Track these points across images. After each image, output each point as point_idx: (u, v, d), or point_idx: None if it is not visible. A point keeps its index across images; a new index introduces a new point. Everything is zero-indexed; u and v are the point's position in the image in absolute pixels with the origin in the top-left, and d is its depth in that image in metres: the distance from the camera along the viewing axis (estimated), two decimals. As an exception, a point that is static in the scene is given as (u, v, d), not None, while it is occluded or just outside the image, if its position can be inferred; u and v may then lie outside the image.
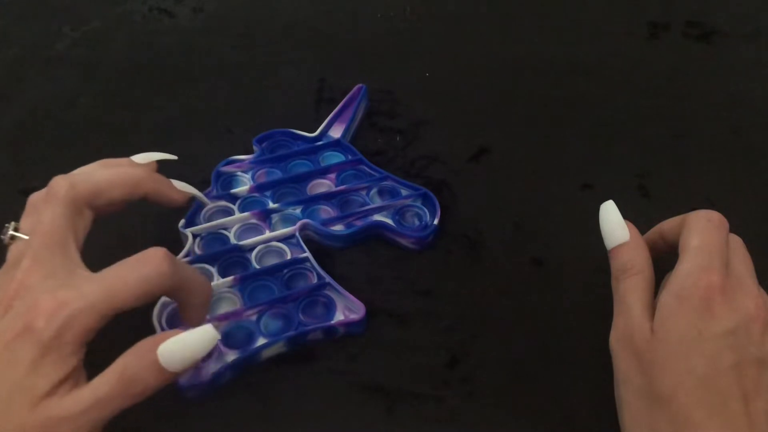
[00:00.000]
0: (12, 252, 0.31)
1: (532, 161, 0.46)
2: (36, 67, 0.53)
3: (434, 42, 0.56)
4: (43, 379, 0.26)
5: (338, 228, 0.41)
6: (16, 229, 0.31)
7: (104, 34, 0.56)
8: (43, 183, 0.46)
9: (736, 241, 0.33)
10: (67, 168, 0.45)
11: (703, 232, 0.32)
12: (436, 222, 0.41)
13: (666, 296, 0.30)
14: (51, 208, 0.31)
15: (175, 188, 0.37)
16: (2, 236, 0.31)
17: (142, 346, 0.28)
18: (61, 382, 0.27)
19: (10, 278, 0.29)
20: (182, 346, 0.27)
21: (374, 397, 0.35)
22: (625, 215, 0.43)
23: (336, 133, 0.46)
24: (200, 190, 0.43)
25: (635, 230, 0.34)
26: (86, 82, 0.52)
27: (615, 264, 0.33)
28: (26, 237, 0.31)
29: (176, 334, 0.28)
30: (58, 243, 0.30)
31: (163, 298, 0.36)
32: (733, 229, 0.44)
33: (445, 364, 0.36)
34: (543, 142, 0.47)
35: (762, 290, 0.31)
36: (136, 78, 0.53)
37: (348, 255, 0.41)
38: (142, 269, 0.28)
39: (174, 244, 0.39)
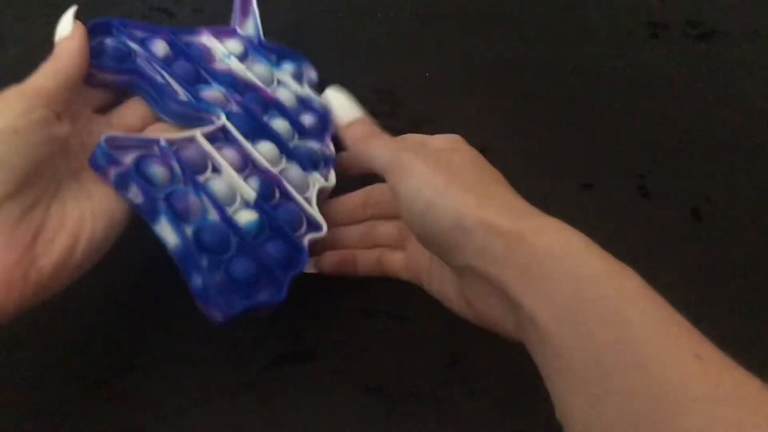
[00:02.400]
0: None
1: (532, 161, 0.46)
2: (36, 67, 0.53)
3: (434, 42, 0.56)
4: None
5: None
6: None
7: (104, 34, 0.56)
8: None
9: None
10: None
11: None
12: None
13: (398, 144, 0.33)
14: None
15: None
16: None
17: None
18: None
19: None
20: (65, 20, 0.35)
21: (374, 397, 0.35)
22: (625, 215, 0.44)
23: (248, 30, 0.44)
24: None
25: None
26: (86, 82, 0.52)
27: (351, 134, 0.34)
28: None
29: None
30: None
31: None
32: (733, 228, 0.44)
33: (445, 364, 0.36)
34: (543, 142, 0.47)
35: None
36: (136, 78, 0.53)
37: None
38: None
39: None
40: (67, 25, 0.35)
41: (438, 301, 0.38)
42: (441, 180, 0.29)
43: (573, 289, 0.24)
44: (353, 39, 0.56)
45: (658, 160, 0.46)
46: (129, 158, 0.33)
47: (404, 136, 0.35)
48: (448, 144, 0.34)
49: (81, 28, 0.35)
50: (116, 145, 0.33)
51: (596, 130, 0.48)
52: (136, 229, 0.40)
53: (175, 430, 0.33)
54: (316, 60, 0.54)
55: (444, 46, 0.55)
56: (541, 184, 0.45)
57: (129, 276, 0.38)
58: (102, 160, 0.32)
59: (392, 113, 0.50)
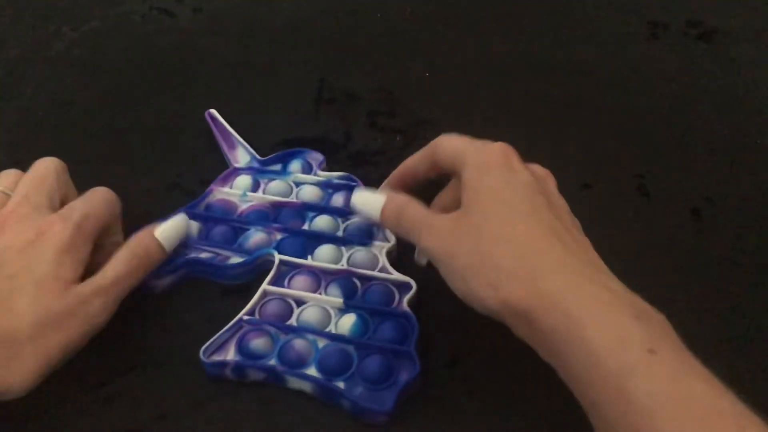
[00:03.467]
0: None
1: (531, 161, 0.46)
2: (36, 67, 0.53)
3: (434, 42, 0.56)
4: (68, 269, 0.33)
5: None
6: None
7: (104, 34, 0.56)
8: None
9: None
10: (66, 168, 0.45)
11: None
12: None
13: (468, 172, 0.31)
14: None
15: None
16: None
17: (141, 235, 0.36)
18: (81, 271, 0.34)
19: None
20: (172, 226, 0.37)
21: (374, 397, 0.35)
22: (625, 215, 0.44)
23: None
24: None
25: (384, 189, 0.37)
26: (86, 82, 0.52)
27: (389, 218, 0.35)
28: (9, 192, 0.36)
29: (157, 227, 0.37)
30: (48, 187, 0.36)
31: None
32: (733, 228, 0.44)
33: (445, 364, 0.36)
34: (543, 142, 0.47)
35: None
36: (136, 78, 0.53)
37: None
38: (97, 194, 0.37)
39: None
40: (169, 230, 0.37)
41: (438, 300, 0.37)
42: (468, 272, 0.30)
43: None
44: (353, 39, 0.56)
45: (658, 160, 0.46)
46: (231, 352, 0.35)
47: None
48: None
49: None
50: (212, 350, 0.35)
51: (596, 130, 0.48)
52: (135, 228, 0.40)
53: (175, 430, 0.33)
54: (316, 60, 0.54)
55: (444, 46, 0.55)
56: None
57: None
58: (213, 370, 0.34)
59: (392, 113, 0.50)
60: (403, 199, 0.35)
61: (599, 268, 0.29)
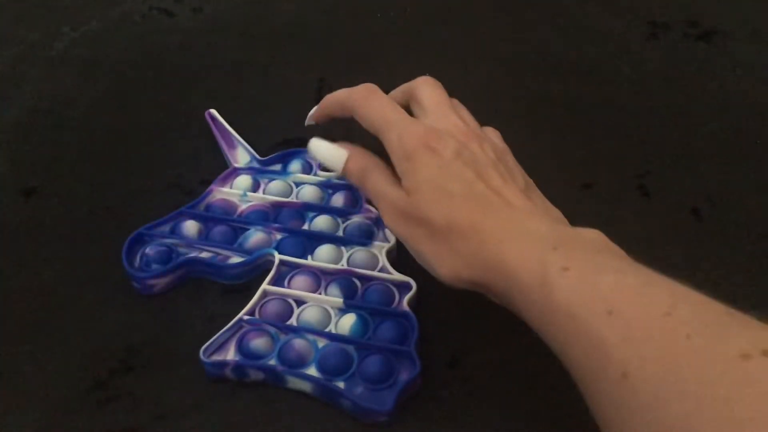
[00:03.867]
0: None
1: (532, 161, 0.46)
2: (36, 67, 0.53)
3: (434, 42, 0.56)
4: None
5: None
6: None
7: (104, 34, 0.56)
8: (43, 183, 0.46)
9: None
10: (66, 168, 0.45)
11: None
12: None
13: (399, 164, 0.33)
14: None
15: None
16: None
17: None
18: None
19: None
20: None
21: (374, 397, 0.35)
22: (625, 215, 0.44)
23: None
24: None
25: (348, 144, 0.37)
26: (86, 82, 0.52)
27: (353, 176, 0.36)
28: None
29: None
30: None
31: None
32: (733, 228, 0.44)
33: (445, 364, 0.36)
34: (543, 141, 0.47)
35: (460, 114, 0.36)
36: (136, 78, 0.53)
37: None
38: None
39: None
40: None
41: (438, 300, 0.38)
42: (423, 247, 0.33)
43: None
44: (353, 39, 0.56)
45: (658, 160, 0.46)
46: (231, 352, 0.35)
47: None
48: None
49: None
50: (212, 350, 0.35)
51: (596, 130, 0.48)
52: (133, 229, 0.40)
53: (175, 430, 0.33)
54: (316, 60, 0.54)
55: (444, 46, 0.55)
56: (541, 184, 0.45)
57: (129, 276, 0.38)
58: (213, 370, 0.34)
59: (392, 113, 0.50)
60: (370, 161, 0.35)
61: (530, 210, 0.32)
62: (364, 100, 0.36)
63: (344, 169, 0.36)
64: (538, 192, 0.36)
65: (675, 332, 0.24)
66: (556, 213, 0.35)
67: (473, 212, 0.31)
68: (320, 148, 0.37)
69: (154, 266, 0.38)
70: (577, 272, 0.28)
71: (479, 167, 0.33)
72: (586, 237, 0.31)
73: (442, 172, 0.32)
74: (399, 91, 0.38)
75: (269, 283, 0.37)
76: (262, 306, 0.36)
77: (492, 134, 0.38)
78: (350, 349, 0.35)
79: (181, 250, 0.39)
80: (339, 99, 0.38)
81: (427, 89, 0.37)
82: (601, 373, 0.25)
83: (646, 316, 0.25)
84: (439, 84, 0.38)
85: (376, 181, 0.35)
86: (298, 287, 0.37)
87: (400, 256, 0.39)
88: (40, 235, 0.41)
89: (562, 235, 0.30)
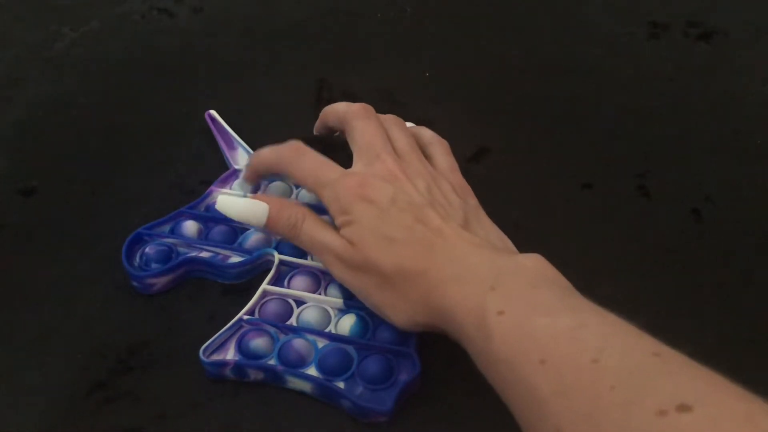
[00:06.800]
0: None
1: (532, 161, 0.46)
2: (36, 67, 0.53)
3: (434, 42, 0.56)
4: None
5: None
6: None
7: (104, 34, 0.56)
8: (43, 183, 0.46)
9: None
10: (66, 168, 0.45)
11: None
12: None
13: (338, 218, 0.34)
14: None
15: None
16: None
17: None
18: None
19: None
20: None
21: (374, 397, 0.35)
22: (625, 215, 0.44)
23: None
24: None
25: (264, 196, 0.38)
26: (86, 82, 0.52)
27: (281, 229, 0.35)
28: None
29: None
30: None
31: None
32: (733, 228, 0.44)
33: (445, 364, 0.36)
34: (543, 142, 0.47)
35: (394, 140, 0.36)
36: (136, 78, 0.53)
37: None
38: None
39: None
40: None
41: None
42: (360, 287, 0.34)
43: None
44: (353, 39, 0.56)
45: (658, 160, 0.46)
46: (231, 352, 0.35)
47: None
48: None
49: None
50: (212, 350, 0.35)
51: (596, 130, 0.48)
52: (133, 229, 0.40)
53: (175, 430, 0.33)
54: (316, 60, 0.54)
55: (444, 46, 0.55)
56: (541, 184, 0.45)
57: (129, 276, 0.38)
58: (213, 370, 0.34)
59: (392, 113, 0.49)
60: (299, 211, 0.35)
61: (471, 244, 0.32)
62: (293, 159, 0.36)
63: (268, 222, 0.35)
64: (480, 214, 0.36)
65: (601, 383, 0.24)
66: (497, 235, 0.35)
67: (417, 257, 0.32)
68: (234, 204, 0.36)
69: (154, 265, 0.38)
70: (512, 317, 0.28)
71: (416, 210, 0.33)
72: (526, 266, 0.30)
73: (382, 220, 0.33)
74: (333, 115, 0.39)
75: (269, 283, 0.37)
76: (262, 306, 0.37)
77: (439, 150, 0.38)
78: (350, 349, 0.35)
79: (181, 249, 0.39)
80: (267, 160, 0.38)
81: (359, 125, 0.37)
82: (539, 424, 0.25)
83: (576, 364, 0.25)
84: (372, 112, 0.37)
85: (312, 230, 0.35)
86: (298, 287, 0.37)
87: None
88: (40, 235, 0.41)
89: (501, 269, 0.30)
